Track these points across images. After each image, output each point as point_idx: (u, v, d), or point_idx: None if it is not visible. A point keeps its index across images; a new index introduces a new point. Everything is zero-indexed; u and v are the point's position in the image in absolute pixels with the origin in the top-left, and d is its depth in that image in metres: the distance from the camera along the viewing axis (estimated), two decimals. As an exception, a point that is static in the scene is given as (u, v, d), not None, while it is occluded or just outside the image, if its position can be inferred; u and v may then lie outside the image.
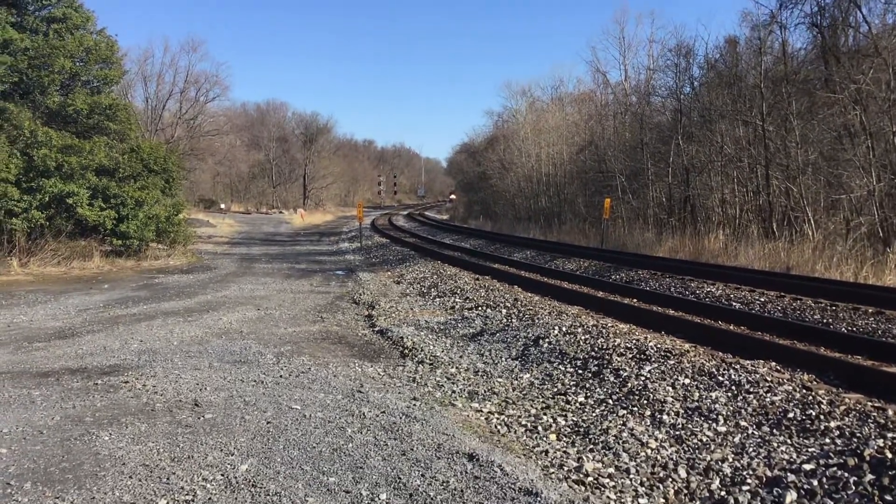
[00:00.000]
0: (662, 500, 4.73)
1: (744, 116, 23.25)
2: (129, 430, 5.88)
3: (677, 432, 5.75)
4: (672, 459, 5.30)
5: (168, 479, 4.83)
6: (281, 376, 7.74)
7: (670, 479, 5.00)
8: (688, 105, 27.50)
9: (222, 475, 4.89)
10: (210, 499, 4.51)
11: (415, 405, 6.71)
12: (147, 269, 19.43)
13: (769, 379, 6.47)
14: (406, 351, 9.26)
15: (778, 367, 6.95)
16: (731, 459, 5.15)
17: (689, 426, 5.82)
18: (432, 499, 4.52)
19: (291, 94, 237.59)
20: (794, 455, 5.02)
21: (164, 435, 5.74)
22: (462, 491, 4.63)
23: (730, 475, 4.92)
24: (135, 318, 11.45)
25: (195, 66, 51.61)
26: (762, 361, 7.11)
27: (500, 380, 7.81)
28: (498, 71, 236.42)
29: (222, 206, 59.94)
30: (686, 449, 5.45)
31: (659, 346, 7.94)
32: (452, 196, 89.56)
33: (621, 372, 7.32)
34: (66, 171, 18.75)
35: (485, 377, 7.96)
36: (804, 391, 6.10)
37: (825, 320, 9.88)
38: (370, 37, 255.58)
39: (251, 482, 4.77)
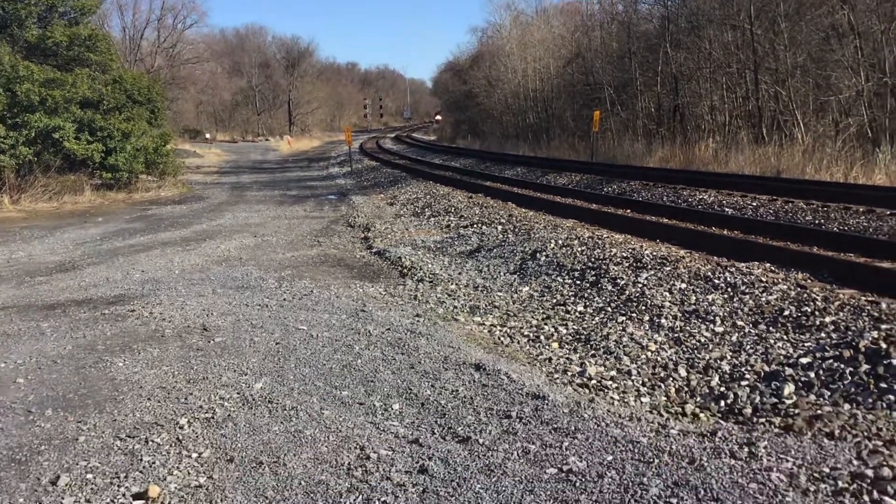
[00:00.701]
0: (664, 398, 4.91)
1: (732, 20, 22.97)
2: (141, 355, 6.01)
3: (676, 335, 5.91)
4: (672, 360, 5.47)
5: (186, 399, 4.98)
6: (284, 299, 7.86)
7: (671, 379, 5.18)
8: (675, 11, 27.12)
9: (238, 393, 5.04)
10: (229, 415, 4.66)
11: (418, 321, 6.85)
12: (139, 202, 19.42)
13: (764, 279, 6.62)
14: (405, 270, 9.37)
15: (772, 268, 7.08)
16: (729, 357, 5.32)
17: (688, 328, 5.98)
18: (443, 406, 4.68)
19: (271, 17, 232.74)
20: (791, 350, 5.19)
21: (177, 359, 5.87)
22: (472, 398, 4.79)
23: (728, 372, 5.10)
24: (133, 249, 11.52)
25: (171, -8, 50.36)
26: (757, 263, 7.25)
27: (500, 294, 7.95)
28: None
29: (207, 135, 59.32)
30: (685, 350, 5.61)
31: (654, 253, 8.07)
32: (438, 117, 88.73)
33: (618, 280, 7.45)
34: (51, 105, 18.54)
35: (485, 292, 8.10)
36: (799, 289, 6.25)
37: (817, 221, 10.02)
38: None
39: (267, 398, 4.92)
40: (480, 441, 4.11)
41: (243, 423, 4.55)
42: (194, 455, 4.14)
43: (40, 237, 13.31)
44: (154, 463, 4.05)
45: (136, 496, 3.70)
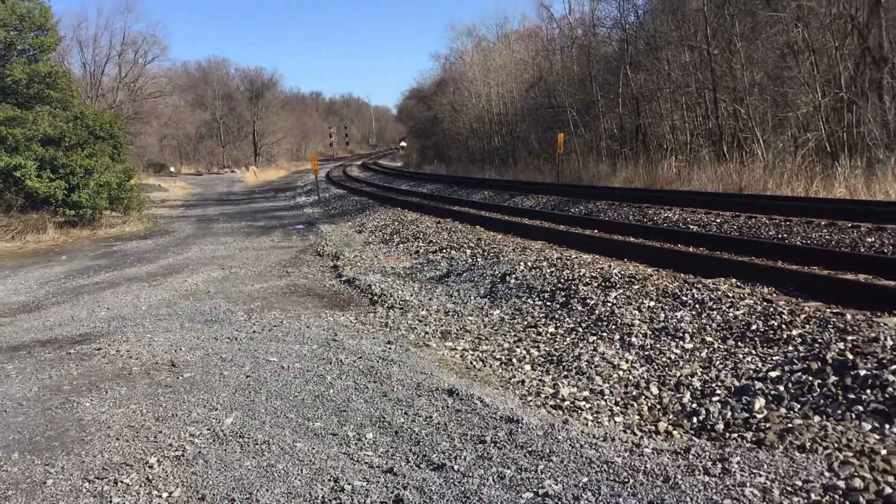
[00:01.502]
0: (637, 417, 4.92)
1: (689, 42, 23.40)
2: (109, 394, 5.90)
3: (646, 353, 5.95)
4: (644, 378, 5.49)
5: (155, 437, 4.89)
6: (254, 331, 7.79)
7: (643, 397, 5.19)
8: (633, 34, 27.59)
9: (209, 429, 4.96)
10: (200, 452, 4.59)
11: (390, 348, 6.82)
12: (104, 238, 19.18)
13: (731, 295, 6.69)
14: (375, 298, 9.34)
15: (738, 283, 7.17)
16: (699, 373, 5.35)
17: (658, 346, 6.02)
18: (417, 434, 4.65)
19: (233, 50, 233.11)
20: (760, 364, 5.23)
21: (144, 396, 5.78)
22: (446, 424, 4.76)
23: (700, 388, 5.13)
24: (98, 287, 11.36)
25: (131, 27, 50.86)
26: (723, 279, 7.33)
27: (471, 318, 7.95)
28: (442, 11, 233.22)
29: (172, 169, 58.99)
30: (656, 367, 5.64)
31: (623, 272, 8.12)
32: (403, 143, 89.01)
33: (588, 300, 7.49)
34: (11, 143, 18.35)
35: (456, 317, 8.09)
36: (765, 303, 6.32)
37: (781, 235, 10.16)
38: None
39: (238, 433, 4.85)
40: (455, 468, 4.08)
41: (214, 459, 4.48)
42: (164, 494, 4.06)
43: (3, 277, 13.09)
44: (124, 504, 3.97)
45: (106, 539, 3.62)
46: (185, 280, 11.43)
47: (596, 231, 12.09)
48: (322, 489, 3.98)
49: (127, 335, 7.93)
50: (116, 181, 20.98)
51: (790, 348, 5.35)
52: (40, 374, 6.63)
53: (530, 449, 4.24)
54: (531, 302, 8.05)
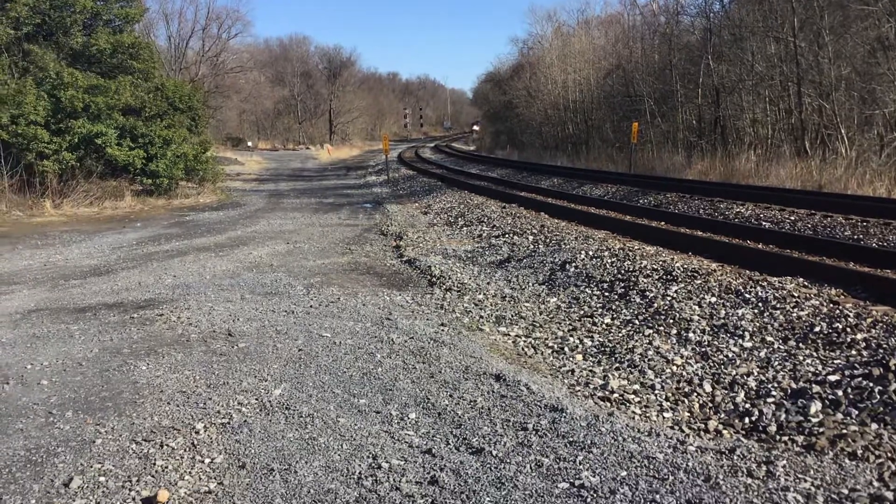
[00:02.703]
0: (687, 414, 4.80)
1: (775, 33, 22.66)
2: (165, 359, 6.04)
3: (703, 349, 5.80)
4: (697, 375, 5.35)
5: (205, 404, 4.99)
6: (311, 306, 7.87)
7: (695, 394, 5.06)
8: (718, 23, 26.86)
9: (256, 399, 5.04)
10: (245, 421, 4.66)
11: (443, 330, 6.81)
12: (178, 208, 19.66)
13: (796, 295, 6.47)
14: (434, 279, 9.33)
15: (805, 283, 6.93)
16: (756, 373, 5.19)
17: (715, 343, 5.86)
18: (460, 417, 4.63)
19: (314, 27, 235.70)
20: (820, 367, 5.05)
21: (199, 363, 5.90)
22: (489, 409, 4.73)
23: (755, 388, 4.97)
24: (168, 255, 11.65)
25: (216, 2, 51.48)
26: (789, 278, 7.09)
27: (527, 304, 7.88)
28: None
29: (249, 143, 60.11)
30: (711, 365, 5.49)
31: (685, 266, 7.94)
32: (476, 127, 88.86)
33: (647, 293, 7.34)
34: (94, 111, 18.90)
35: (512, 302, 8.03)
36: (831, 305, 6.10)
37: (856, 236, 9.79)
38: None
39: (284, 405, 4.91)
40: (494, 453, 4.04)
41: (259, 429, 4.54)
42: (207, 460, 4.13)
43: (78, 241, 13.53)
44: (167, 467, 4.06)
45: (146, 500, 3.70)
46: (250, 252, 11.63)
47: (662, 223, 11.84)
48: (360, 465, 4.00)
49: (189, 303, 8.11)
50: (193, 153, 21.45)
51: (853, 352, 5.14)
52: (102, 336, 6.83)
53: (571, 439, 4.18)
54: (589, 291, 7.93)
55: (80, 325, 7.28)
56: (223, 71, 51.51)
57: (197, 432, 4.52)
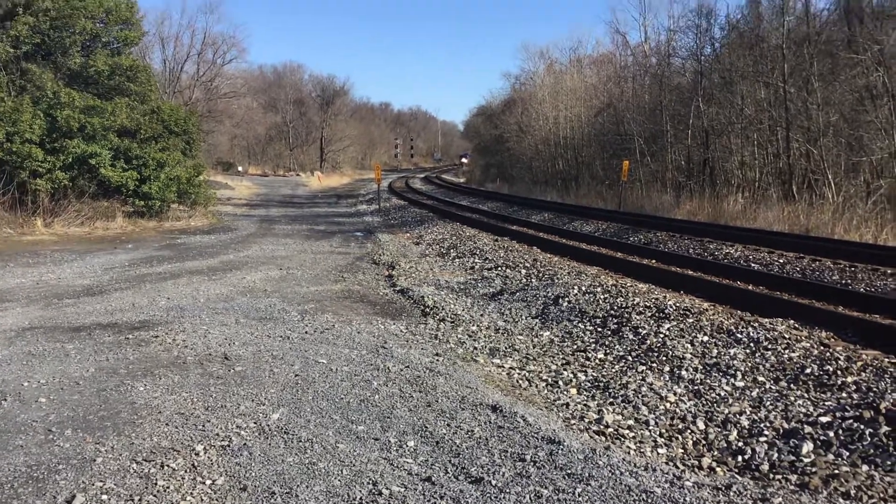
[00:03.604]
0: (681, 450, 4.87)
1: (765, 78, 23.05)
2: (162, 381, 6.07)
3: (696, 387, 5.88)
4: (690, 412, 5.43)
5: (203, 426, 5.02)
6: (306, 332, 7.92)
7: (689, 431, 5.14)
8: (708, 66, 27.27)
9: (255, 423, 5.07)
10: (245, 444, 4.69)
11: (438, 360, 6.87)
12: (169, 230, 19.67)
13: (787, 336, 6.58)
14: (427, 309, 9.39)
15: (796, 325, 7.04)
16: (748, 412, 5.27)
17: (708, 381, 5.95)
18: (458, 446, 4.68)
19: (308, 56, 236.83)
20: (811, 408, 5.14)
21: (196, 386, 5.93)
22: (487, 439, 4.78)
23: (747, 427, 5.05)
24: (160, 277, 11.66)
25: (212, 28, 51.92)
26: (780, 319, 7.20)
27: (520, 337, 7.96)
28: (516, 32, 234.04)
29: (240, 168, 60.16)
30: (704, 403, 5.58)
31: (678, 304, 8.05)
32: (465, 159, 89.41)
33: (640, 330, 7.44)
34: (89, 132, 18.96)
35: (505, 334, 8.10)
36: (822, 348, 6.21)
37: (844, 281, 9.94)
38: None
39: (283, 429, 4.95)
40: (493, 482, 4.10)
41: (258, 452, 4.57)
42: (208, 482, 4.16)
43: (70, 260, 13.52)
44: (168, 488, 4.09)
45: (149, 519, 3.73)
46: (243, 277, 11.66)
47: (654, 261, 11.98)
48: (360, 491, 4.04)
49: (184, 325, 8.13)
50: (186, 176, 21.50)
51: (843, 395, 5.24)
52: (98, 356, 6.84)
53: (570, 471, 4.23)
54: (582, 326, 8.02)
55: (76, 345, 7.29)
56: (216, 96, 51.67)
57: (197, 454, 4.55)
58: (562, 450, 4.56)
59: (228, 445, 4.68)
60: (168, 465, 4.37)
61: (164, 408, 5.40)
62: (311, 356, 6.87)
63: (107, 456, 4.51)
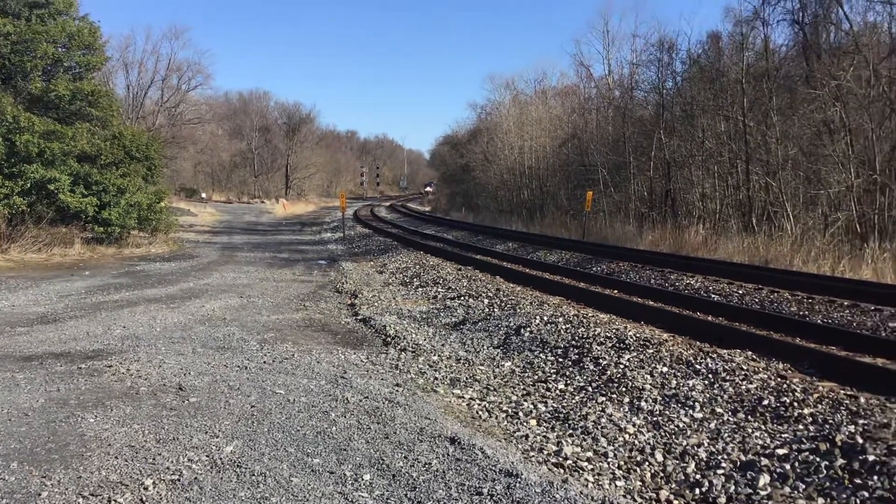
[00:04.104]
0: (639, 483, 4.84)
1: (725, 111, 23.49)
2: (113, 412, 5.92)
3: (655, 418, 5.87)
4: (649, 444, 5.42)
5: (154, 459, 4.89)
6: (265, 362, 7.80)
7: (647, 463, 5.12)
8: (670, 99, 27.73)
9: (207, 456, 4.95)
10: (196, 478, 4.57)
11: (397, 391, 6.79)
12: (128, 257, 19.39)
13: (745, 368, 6.62)
14: (389, 339, 9.32)
15: (754, 357, 7.09)
16: (706, 444, 5.27)
17: (667, 412, 5.94)
18: (415, 479, 4.61)
19: (274, 83, 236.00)
20: (768, 440, 5.15)
21: (148, 417, 5.79)
22: (444, 472, 4.72)
23: (705, 459, 5.05)
24: (117, 305, 11.46)
25: (177, 54, 51.61)
26: (739, 351, 7.26)
27: (481, 367, 7.91)
28: (482, 63, 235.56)
29: (203, 195, 59.66)
30: (663, 434, 5.57)
31: (638, 335, 8.07)
32: (429, 188, 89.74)
33: (601, 360, 7.44)
34: (48, 157, 18.67)
35: (467, 365, 8.05)
36: (779, 379, 6.24)
37: (802, 312, 10.05)
38: (354, 26, 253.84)
39: (236, 463, 4.84)
40: (449, 517, 4.03)
41: (209, 486, 4.46)
42: (156, 517, 4.05)
43: (25, 287, 13.24)
44: (114, 523, 3.96)
45: (92, 557, 3.60)
46: (202, 305, 11.50)
47: (616, 291, 12.04)
48: (313, 527, 3.94)
49: (139, 355, 7.97)
50: (147, 202, 21.25)
51: (800, 427, 5.27)
52: (49, 387, 6.67)
53: (526, 505, 4.18)
54: (543, 357, 8.00)
55: (26, 374, 7.10)
56: (181, 122, 51.39)
57: (146, 488, 4.42)
58: (519, 483, 4.51)
59: (179, 480, 4.56)
60: (115, 500, 4.25)
61: (114, 440, 5.26)
62: (269, 387, 6.76)
63: (52, 490, 4.37)
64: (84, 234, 20.47)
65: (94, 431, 5.45)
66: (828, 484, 4.42)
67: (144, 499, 4.28)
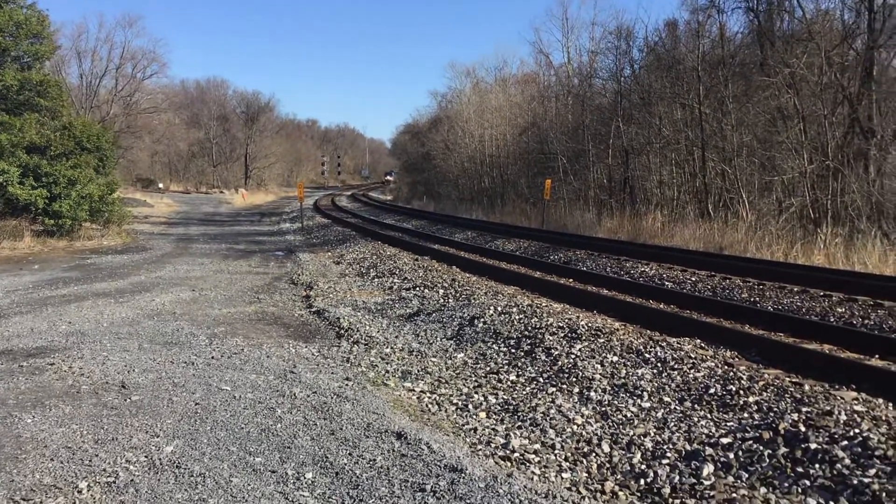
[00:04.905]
0: (585, 475, 4.82)
1: (682, 99, 23.64)
2: (52, 412, 5.76)
3: (603, 408, 5.87)
4: (597, 435, 5.40)
5: (90, 460, 4.76)
6: (213, 357, 7.67)
7: (594, 454, 5.10)
8: (628, 87, 27.86)
9: (146, 457, 4.84)
10: (132, 480, 4.46)
11: (347, 385, 6.71)
12: (80, 250, 19.00)
13: (694, 356, 6.64)
14: (342, 331, 9.23)
15: (703, 345, 7.13)
16: (653, 434, 5.27)
17: (615, 402, 5.94)
18: (358, 477, 4.54)
19: (232, 71, 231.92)
20: (713, 429, 5.17)
21: (88, 417, 5.65)
22: (388, 469, 4.66)
23: (651, 449, 5.04)
24: (64, 300, 11.20)
25: (132, 43, 50.61)
26: (687, 339, 7.29)
27: (434, 359, 7.86)
28: (443, 51, 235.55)
29: (160, 185, 58.81)
30: (611, 424, 5.56)
31: (590, 324, 8.07)
32: (390, 177, 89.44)
33: (552, 350, 7.42)
34: (-5, 148, 18.23)
35: (419, 357, 7.99)
36: (726, 367, 6.27)
37: (752, 299, 10.15)
38: (314, 15, 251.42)
39: (175, 463, 4.73)
40: (390, 516, 3.97)
41: (145, 489, 4.35)
42: (88, 522, 3.93)
43: (-30, 282, 12.90)
44: (43, 530, 3.84)
45: (17, 566, 3.49)
46: (152, 299, 11.29)
47: (571, 280, 12.06)
48: (250, 528, 3.86)
49: (83, 352, 7.79)
50: (99, 193, 20.82)
51: (745, 415, 5.29)
52: (-14, 386, 6.48)
53: (469, 501, 4.14)
54: (496, 348, 7.97)
55: (-37, 374, 6.90)
56: (136, 111, 50.56)
57: (79, 491, 4.31)
58: (463, 478, 4.47)
59: (114, 482, 4.44)
60: (46, 505, 4.12)
61: (50, 441, 5.12)
62: (215, 383, 6.64)
63: (-20, 496, 4.23)
64: (34, 226, 20.03)
65: (31, 432, 5.30)
66: (770, 473, 4.43)
67: (77, 502, 4.16)
